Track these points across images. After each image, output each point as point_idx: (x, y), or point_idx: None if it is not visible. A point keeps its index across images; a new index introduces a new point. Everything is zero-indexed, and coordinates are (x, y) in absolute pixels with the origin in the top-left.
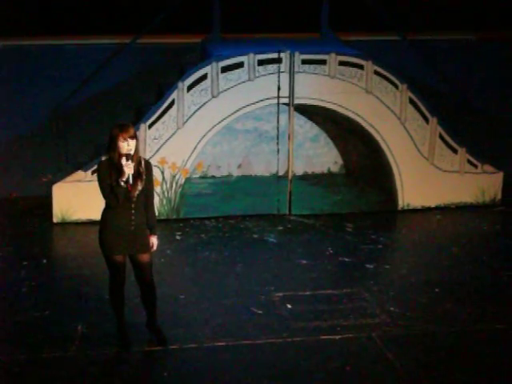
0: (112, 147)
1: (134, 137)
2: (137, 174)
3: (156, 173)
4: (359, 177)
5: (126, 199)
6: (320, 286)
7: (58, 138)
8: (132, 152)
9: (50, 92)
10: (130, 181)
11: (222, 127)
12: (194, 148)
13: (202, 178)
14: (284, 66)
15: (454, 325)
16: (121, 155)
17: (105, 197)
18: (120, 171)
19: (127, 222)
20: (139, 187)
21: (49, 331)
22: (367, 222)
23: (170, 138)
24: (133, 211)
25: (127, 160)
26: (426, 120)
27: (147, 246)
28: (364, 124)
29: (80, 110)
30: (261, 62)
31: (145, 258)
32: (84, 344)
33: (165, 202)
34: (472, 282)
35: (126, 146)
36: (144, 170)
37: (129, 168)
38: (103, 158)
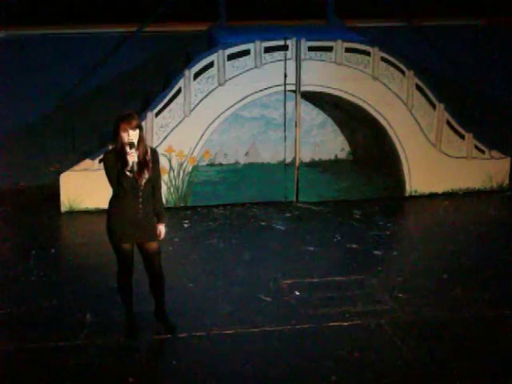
0: (115, 137)
1: (137, 127)
2: (143, 163)
3: (163, 161)
4: (366, 163)
5: (132, 188)
6: (328, 273)
7: (65, 127)
8: (135, 141)
9: (56, 81)
10: (135, 169)
11: (228, 115)
12: (201, 136)
13: (209, 165)
14: (290, 53)
15: (463, 311)
16: (124, 144)
17: (112, 186)
18: (124, 160)
19: (135, 211)
20: (146, 176)
21: (57, 320)
22: (375, 209)
23: (177, 126)
24: (140, 199)
25: (130, 148)
26: (433, 106)
27: (155, 235)
28: (371, 110)
29: (87, 98)
30: (267, 50)
31: (153, 246)
32: (92, 333)
33: (172, 190)
34: (480, 268)
35: (127, 136)
36: (150, 159)
37: (131, 156)
38: (110, 147)
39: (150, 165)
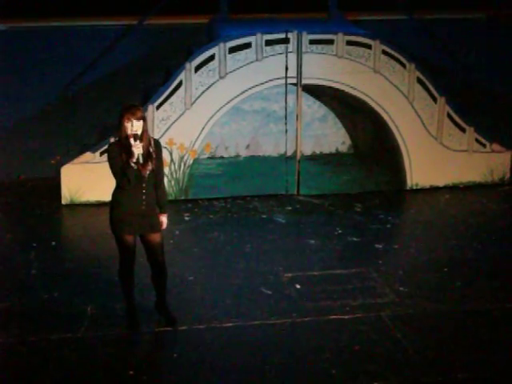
0: (119, 128)
1: (141, 118)
2: (147, 154)
3: (164, 154)
4: (367, 157)
5: (136, 179)
6: (329, 266)
7: (66, 120)
8: (139, 132)
9: (57, 74)
10: (141, 160)
11: (229, 108)
12: (202, 129)
13: (210, 158)
14: (292, 46)
15: (463, 304)
16: (128, 136)
17: (116, 178)
18: (129, 152)
19: (138, 202)
20: (150, 167)
21: (58, 313)
22: (376, 202)
23: (178, 118)
24: (144, 191)
25: (135, 140)
26: (434, 99)
27: (158, 226)
28: (372, 104)
29: (88, 91)
30: (268, 43)
31: (156, 237)
32: (93, 325)
33: (173, 182)
34: (481, 261)
35: (130, 126)
36: (154, 149)
37: (137, 148)
38: (112, 140)
39: (154, 156)
